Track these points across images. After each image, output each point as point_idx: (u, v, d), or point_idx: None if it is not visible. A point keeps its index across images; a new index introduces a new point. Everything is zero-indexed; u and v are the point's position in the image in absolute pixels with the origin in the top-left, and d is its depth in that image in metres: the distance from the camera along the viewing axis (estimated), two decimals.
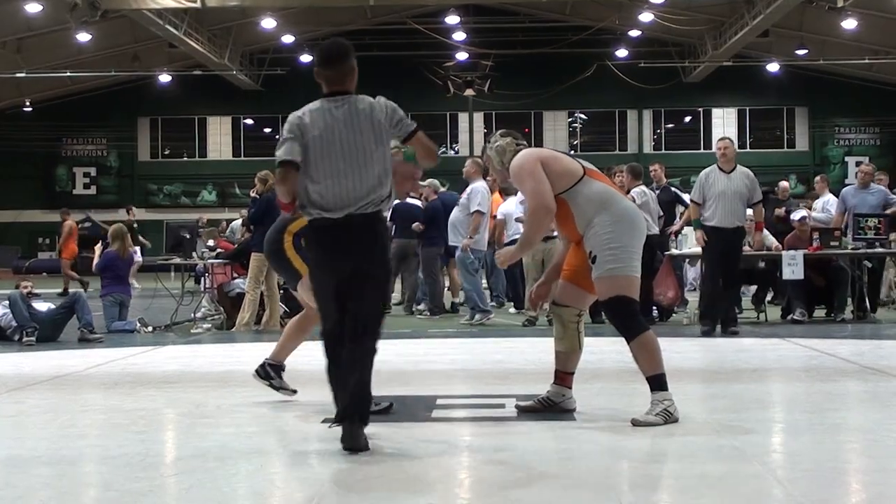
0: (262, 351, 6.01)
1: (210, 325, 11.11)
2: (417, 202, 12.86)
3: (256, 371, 5.70)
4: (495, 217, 12.18)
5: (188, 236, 11.73)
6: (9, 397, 6.25)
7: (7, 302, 9.78)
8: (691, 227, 10.52)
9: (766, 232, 11.31)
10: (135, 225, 21.24)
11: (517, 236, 9.52)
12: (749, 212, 9.99)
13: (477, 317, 11.18)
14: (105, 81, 32.62)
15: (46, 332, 9.67)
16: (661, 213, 11.19)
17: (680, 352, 7.98)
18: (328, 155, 4.41)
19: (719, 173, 9.85)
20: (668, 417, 4.79)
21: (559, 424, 4.93)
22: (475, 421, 5.22)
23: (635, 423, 4.78)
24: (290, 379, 5.72)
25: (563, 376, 5.22)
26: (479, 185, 11.29)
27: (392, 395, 5.57)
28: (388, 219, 12.82)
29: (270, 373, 5.66)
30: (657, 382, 4.86)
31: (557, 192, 4.99)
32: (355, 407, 4.31)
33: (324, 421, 4.35)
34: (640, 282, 5.02)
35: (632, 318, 4.92)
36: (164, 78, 32.53)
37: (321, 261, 4.49)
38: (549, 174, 4.99)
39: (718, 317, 9.71)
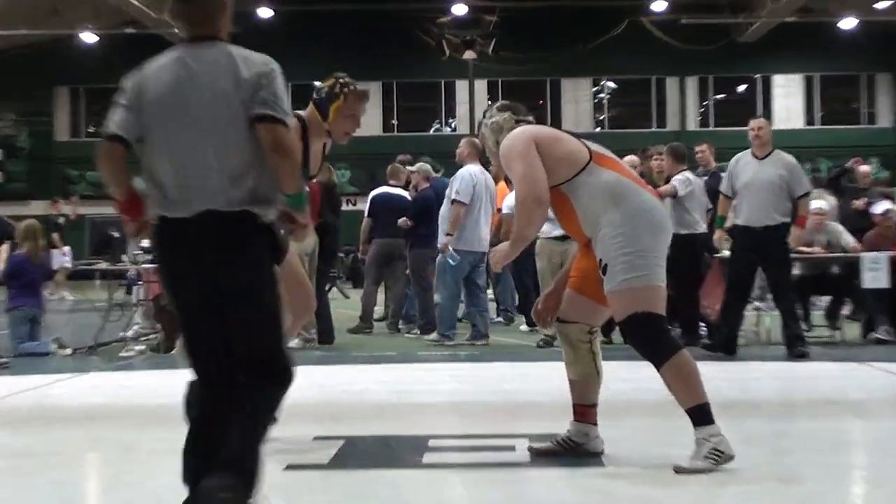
0: None
1: (144, 347, 11.07)
2: (404, 192, 12.83)
3: None
4: (500, 211, 12.14)
5: (117, 235, 11.68)
6: None
7: None
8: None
9: (841, 229, 11.30)
10: (60, 220, 21.19)
11: None
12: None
13: (433, 335, 11.26)
14: (14, 42, 32.60)
15: None
16: (710, 206, 11.16)
17: (735, 379, 7.98)
18: (170, 124, 3.82)
19: (750, 159, 9.88)
20: (719, 458, 4.73)
21: (583, 472, 4.91)
22: (477, 467, 5.18)
23: (679, 470, 4.75)
24: None
25: (584, 410, 5.20)
26: (465, 170, 11.15)
27: (373, 434, 5.55)
28: (367, 213, 13.07)
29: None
30: (699, 415, 4.82)
31: (556, 184, 4.98)
32: (236, 454, 3.82)
33: None
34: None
35: (658, 337, 4.90)
36: (89, 38, 32.52)
37: (171, 280, 3.98)
38: (545, 159, 4.97)
39: (734, 335, 9.68)
